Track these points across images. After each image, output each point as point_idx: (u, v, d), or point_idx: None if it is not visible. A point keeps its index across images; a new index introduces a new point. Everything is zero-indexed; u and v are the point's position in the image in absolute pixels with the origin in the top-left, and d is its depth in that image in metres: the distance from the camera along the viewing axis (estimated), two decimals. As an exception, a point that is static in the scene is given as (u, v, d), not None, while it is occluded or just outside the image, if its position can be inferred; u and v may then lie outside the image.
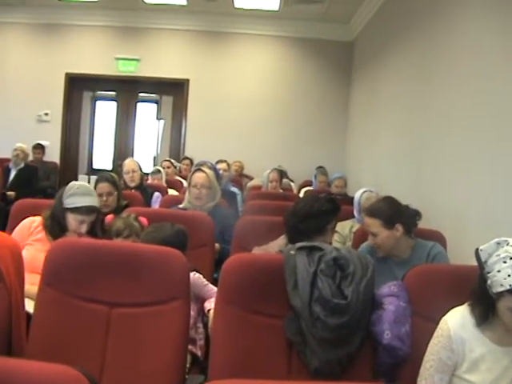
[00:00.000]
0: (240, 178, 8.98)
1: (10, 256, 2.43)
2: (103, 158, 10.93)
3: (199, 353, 3.03)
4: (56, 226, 3.48)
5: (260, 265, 2.47)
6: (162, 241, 2.93)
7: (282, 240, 3.31)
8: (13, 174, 8.12)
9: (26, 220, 3.58)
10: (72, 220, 3.47)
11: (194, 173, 4.81)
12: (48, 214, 3.53)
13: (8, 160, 8.56)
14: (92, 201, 3.54)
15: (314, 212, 3.17)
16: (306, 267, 2.38)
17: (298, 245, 2.50)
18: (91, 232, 3.58)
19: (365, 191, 4.80)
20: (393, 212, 3.38)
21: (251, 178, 9.00)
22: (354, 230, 4.54)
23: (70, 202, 3.48)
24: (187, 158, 9.02)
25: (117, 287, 2.49)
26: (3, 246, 2.40)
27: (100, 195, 4.58)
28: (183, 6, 9.56)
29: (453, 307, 2.20)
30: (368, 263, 2.45)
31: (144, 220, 3.48)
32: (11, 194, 7.38)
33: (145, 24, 10.26)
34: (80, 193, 3.51)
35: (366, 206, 4.51)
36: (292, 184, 8.52)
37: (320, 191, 7.39)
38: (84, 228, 3.48)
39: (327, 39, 10.11)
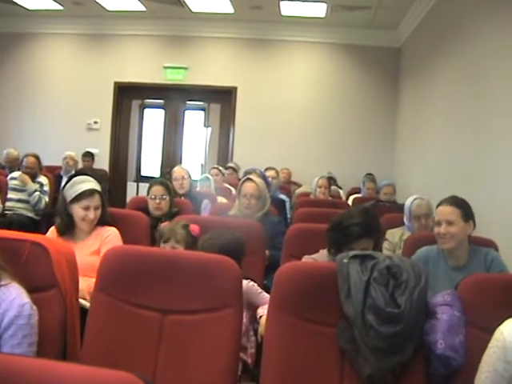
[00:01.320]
0: (288, 185, 8.98)
1: (65, 262, 2.47)
2: (151, 166, 11.05)
3: (249, 360, 3.04)
4: (62, 224, 3.64)
5: (313, 273, 2.47)
6: (223, 247, 2.95)
7: None
8: (64, 181, 8.24)
9: (53, 227, 3.71)
10: (77, 209, 3.59)
11: (243, 182, 4.81)
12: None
13: (59, 168, 8.73)
14: (91, 185, 3.66)
15: (341, 226, 3.09)
16: (359, 275, 2.37)
17: (352, 253, 2.49)
18: (102, 221, 3.68)
19: (415, 198, 4.75)
20: (469, 208, 3.45)
21: (299, 185, 8.96)
22: (404, 237, 4.49)
23: (71, 193, 3.62)
24: (230, 166, 9.02)
25: (170, 294, 2.50)
26: (58, 253, 2.45)
27: (153, 198, 4.67)
28: (230, 14, 9.64)
29: (508, 317, 2.17)
30: (421, 272, 2.43)
31: (195, 228, 3.48)
32: (62, 202, 7.49)
33: (192, 32, 10.37)
34: (78, 182, 3.66)
35: (417, 213, 4.52)
36: (340, 191, 8.48)
37: (368, 198, 7.34)
38: (91, 214, 3.58)
39: (374, 46, 10.07)
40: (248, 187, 4.69)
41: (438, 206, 3.53)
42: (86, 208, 3.59)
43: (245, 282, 2.64)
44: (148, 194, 4.83)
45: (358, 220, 3.06)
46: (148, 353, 2.44)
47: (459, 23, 6.18)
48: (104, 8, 9.74)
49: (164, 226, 3.63)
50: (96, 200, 3.63)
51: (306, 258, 3.32)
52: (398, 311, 2.30)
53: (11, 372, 1.37)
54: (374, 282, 2.36)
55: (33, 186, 7.06)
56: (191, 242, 3.28)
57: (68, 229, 3.64)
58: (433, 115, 7.23)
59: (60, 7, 9.89)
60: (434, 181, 6.75)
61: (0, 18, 10.70)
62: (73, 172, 8.29)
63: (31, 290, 2.28)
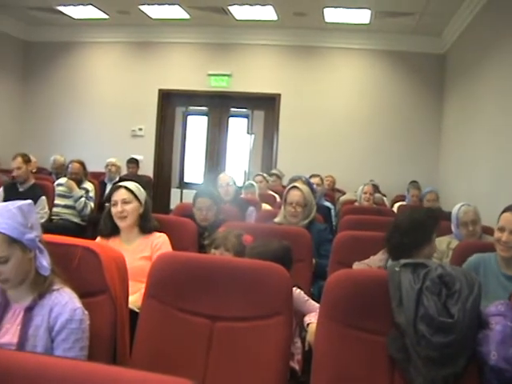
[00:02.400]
0: (332, 192, 8.93)
1: (116, 267, 2.50)
2: (195, 172, 11.12)
3: (297, 367, 3.02)
4: (103, 225, 3.75)
5: (364, 281, 2.45)
6: (272, 255, 2.93)
7: (381, 255, 3.29)
8: (108, 187, 8.33)
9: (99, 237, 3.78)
10: (111, 208, 3.69)
11: (289, 190, 4.76)
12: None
13: (105, 174, 8.83)
14: (121, 183, 3.77)
15: (417, 223, 3.13)
16: (411, 284, 2.34)
17: (403, 261, 2.46)
18: (146, 226, 3.73)
19: (462, 205, 4.69)
20: None
21: (343, 193, 8.93)
22: (452, 246, 4.44)
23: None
24: (274, 173, 9.02)
25: (219, 301, 2.51)
26: (109, 258, 2.47)
27: (200, 209, 4.64)
28: (274, 21, 9.65)
29: None
30: (474, 281, 2.39)
31: (249, 239, 3.43)
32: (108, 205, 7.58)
33: (236, 40, 10.43)
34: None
35: (464, 219, 4.47)
36: (384, 199, 8.40)
37: (413, 206, 7.29)
38: (118, 207, 3.64)
39: (418, 52, 9.97)
40: (294, 195, 4.65)
41: (503, 211, 3.46)
42: (115, 204, 3.67)
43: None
44: (194, 204, 4.76)
45: (424, 210, 3.36)
46: (198, 359, 2.45)
47: (507, 30, 6.08)
48: (148, 16, 9.85)
49: (221, 230, 3.62)
50: (121, 194, 3.68)
51: (357, 265, 3.30)
52: (451, 321, 2.26)
53: (67, 375, 1.38)
54: (426, 290, 2.32)
55: (79, 192, 7.15)
56: (241, 251, 3.25)
57: (110, 230, 3.72)
58: (479, 123, 7.12)
59: (105, 16, 10.06)
60: (481, 189, 6.65)
61: (47, 28, 10.97)
62: (117, 178, 8.39)
63: (82, 295, 2.32)
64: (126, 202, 3.65)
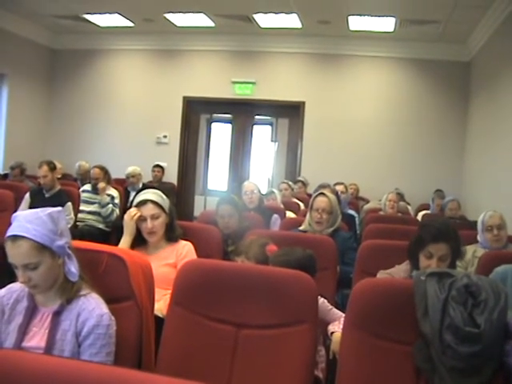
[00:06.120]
0: (356, 200, 8.92)
1: (142, 274, 2.52)
2: (218, 179, 11.15)
3: (321, 375, 3.01)
4: (134, 240, 3.66)
5: (390, 290, 2.44)
6: (296, 263, 2.92)
7: (406, 265, 3.28)
8: (132, 194, 8.34)
9: None
10: (138, 222, 3.63)
11: (316, 197, 4.78)
12: None
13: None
14: (145, 196, 3.70)
15: (415, 234, 3.21)
16: (436, 293, 2.33)
17: (429, 270, 2.45)
18: (171, 236, 3.70)
19: (489, 211, 4.70)
20: None
21: (367, 201, 8.92)
22: (477, 254, 4.43)
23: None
24: (300, 180, 9.03)
25: (245, 308, 2.52)
26: (135, 265, 2.49)
27: (222, 217, 4.66)
28: (298, 29, 9.65)
29: None
30: (500, 291, 2.37)
31: (273, 249, 3.39)
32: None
33: (260, 48, 10.45)
34: (139, 195, 3.76)
35: (490, 223, 4.57)
36: (409, 207, 8.37)
37: (438, 215, 7.28)
38: (148, 223, 3.59)
39: (443, 60, 9.91)
40: (320, 201, 4.67)
41: None
42: (143, 219, 3.62)
43: (316, 298, 2.62)
44: (216, 212, 4.77)
45: (436, 224, 3.14)
46: (222, 366, 2.46)
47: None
48: (174, 24, 9.92)
49: (249, 238, 3.62)
50: (148, 209, 3.63)
51: (382, 273, 3.30)
52: (477, 331, 2.24)
53: (93, 379, 1.38)
54: (452, 300, 2.31)
55: (106, 198, 7.20)
56: (263, 261, 3.22)
57: (137, 242, 3.67)
58: (505, 132, 7.05)
59: (131, 24, 10.15)
60: (506, 199, 6.58)
61: (73, 36, 11.09)
62: (140, 186, 8.40)
63: (108, 301, 2.34)
64: (155, 218, 3.62)
